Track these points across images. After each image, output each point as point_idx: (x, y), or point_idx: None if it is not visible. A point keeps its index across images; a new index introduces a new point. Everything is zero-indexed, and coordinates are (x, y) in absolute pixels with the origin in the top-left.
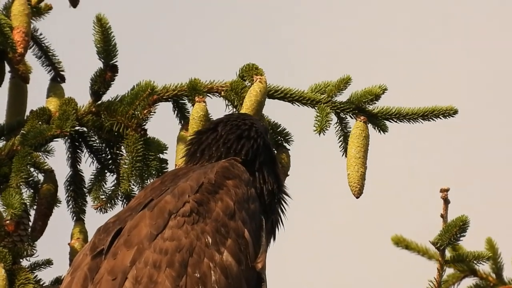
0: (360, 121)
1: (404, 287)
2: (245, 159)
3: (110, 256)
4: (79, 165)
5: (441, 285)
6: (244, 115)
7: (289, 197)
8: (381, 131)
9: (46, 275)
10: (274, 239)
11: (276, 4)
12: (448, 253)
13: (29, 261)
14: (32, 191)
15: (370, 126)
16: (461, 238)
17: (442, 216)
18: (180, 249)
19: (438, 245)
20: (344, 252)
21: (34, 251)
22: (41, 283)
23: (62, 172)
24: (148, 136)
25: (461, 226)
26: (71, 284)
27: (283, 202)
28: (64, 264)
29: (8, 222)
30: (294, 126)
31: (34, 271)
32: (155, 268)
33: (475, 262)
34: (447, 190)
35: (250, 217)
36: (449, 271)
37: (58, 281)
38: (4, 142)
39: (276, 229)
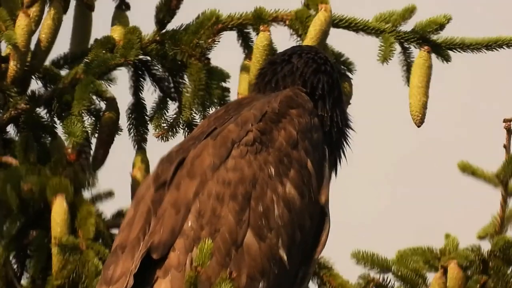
0: (424, 51)
1: (468, 219)
2: (318, 93)
3: (173, 187)
4: (141, 93)
5: (505, 221)
6: (315, 48)
7: (353, 131)
8: (445, 61)
9: (107, 208)
10: (336, 174)
11: None
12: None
13: (91, 191)
14: (93, 119)
15: (433, 56)
16: None
17: (505, 146)
18: (243, 181)
19: (501, 177)
20: (407, 181)
21: (96, 181)
22: (103, 217)
23: (124, 100)
24: (211, 65)
25: None
26: (134, 218)
27: (347, 138)
28: (126, 195)
29: (70, 150)
30: (356, 55)
31: (96, 203)
32: (218, 201)
33: None
34: (510, 120)
35: (313, 147)
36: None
37: (120, 214)
38: (68, 70)
39: (339, 165)
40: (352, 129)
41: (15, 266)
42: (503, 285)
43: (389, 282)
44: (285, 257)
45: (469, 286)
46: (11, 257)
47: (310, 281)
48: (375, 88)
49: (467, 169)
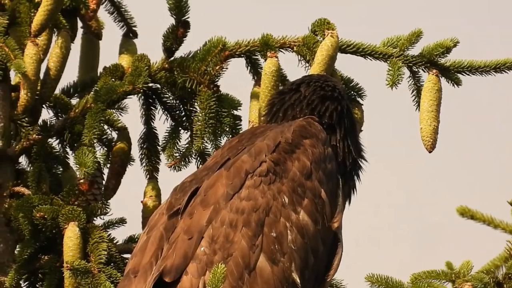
0: (433, 74)
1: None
2: (329, 122)
3: (186, 215)
4: (153, 122)
5: None
6: (325, 76)
7: (366, 161)
8: (455, 85)
9: (119, 234)
10: (350, 203)
11: None
12: None
13: (103, 219)
14: (105, 149)
15: (443, 79)
16: None
17: None
18: (256, 209)
19: None
20: (415, 207)
21: (108, 210)
22: (115, 241)
23: (135, 129)
24: (221, 92)
25: None
26: (147, 243)
27: (361, 168)
28: (137, 223)
29: (81, 181)
30: (366, 80)
31: (108, 230)
32: (231, 227)
33: None
34: None
35: (327, 177)
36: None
37: (131, 239)
38: (78, 99)
39: (352, 194)
40: (365, 159)
41: None
42: None
43: None
44: (297, 280)
45: None
46: (22, 281)
47: None
48: (387, 113)
49: (466, 213)
